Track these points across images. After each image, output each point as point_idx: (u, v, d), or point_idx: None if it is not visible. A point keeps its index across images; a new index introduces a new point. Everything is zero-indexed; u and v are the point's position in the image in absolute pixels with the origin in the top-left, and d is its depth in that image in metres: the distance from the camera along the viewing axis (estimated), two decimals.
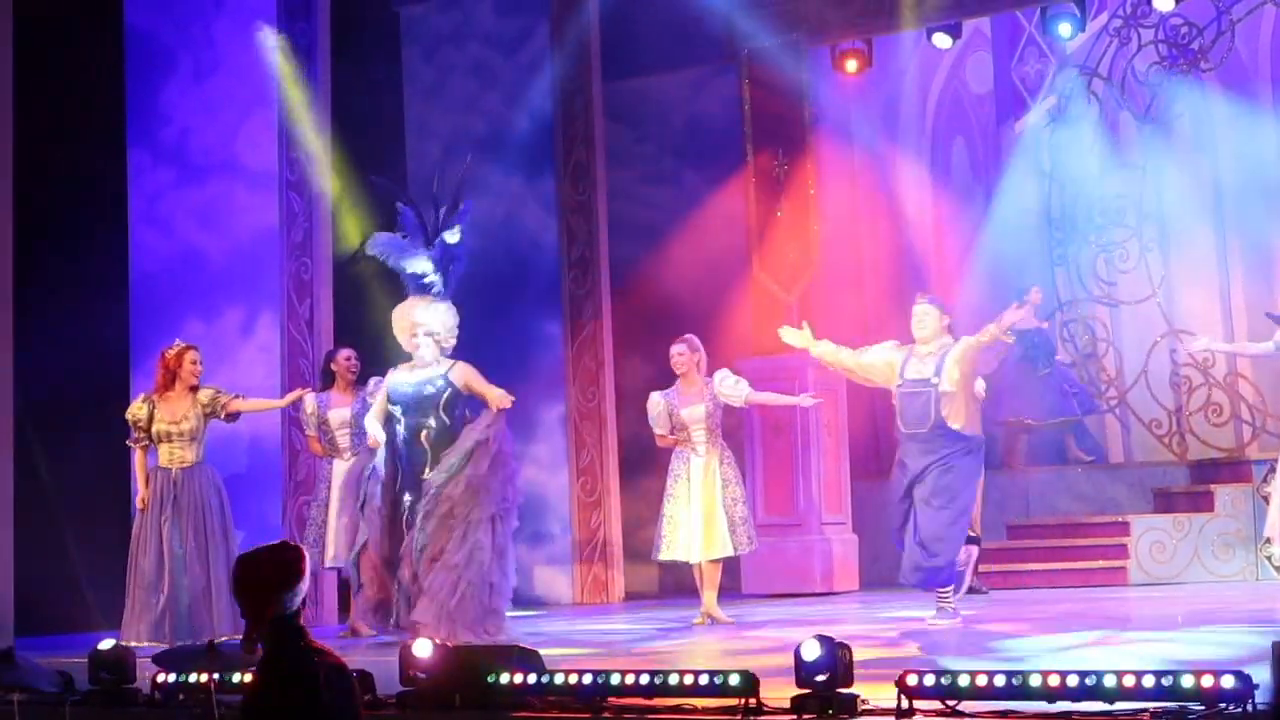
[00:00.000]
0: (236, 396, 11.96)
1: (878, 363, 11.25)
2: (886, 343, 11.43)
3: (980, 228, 16.97)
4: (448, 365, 11.30)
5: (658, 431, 12.43)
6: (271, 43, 14.23)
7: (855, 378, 11.71)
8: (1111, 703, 5.97)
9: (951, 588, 11.14)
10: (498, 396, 11.01)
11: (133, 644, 9.84)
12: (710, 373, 12.46)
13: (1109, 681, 5.96)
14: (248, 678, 7.28)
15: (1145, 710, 5.90)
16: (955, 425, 10.87)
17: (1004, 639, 9.97)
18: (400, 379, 11.30)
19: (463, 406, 11.27)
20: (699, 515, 12.10)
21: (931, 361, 10.96)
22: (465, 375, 11.26)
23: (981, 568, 14.43)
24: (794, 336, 11.57)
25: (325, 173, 14.23)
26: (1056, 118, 16.69)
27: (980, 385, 14.10)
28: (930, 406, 10.89)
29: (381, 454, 11.20)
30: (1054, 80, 16.77)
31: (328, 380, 12.86)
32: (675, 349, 12.46)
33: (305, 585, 5.13)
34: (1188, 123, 16.23)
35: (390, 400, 11.25)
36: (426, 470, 11.03)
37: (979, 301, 16.65)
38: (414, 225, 11.52)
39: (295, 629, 5.08)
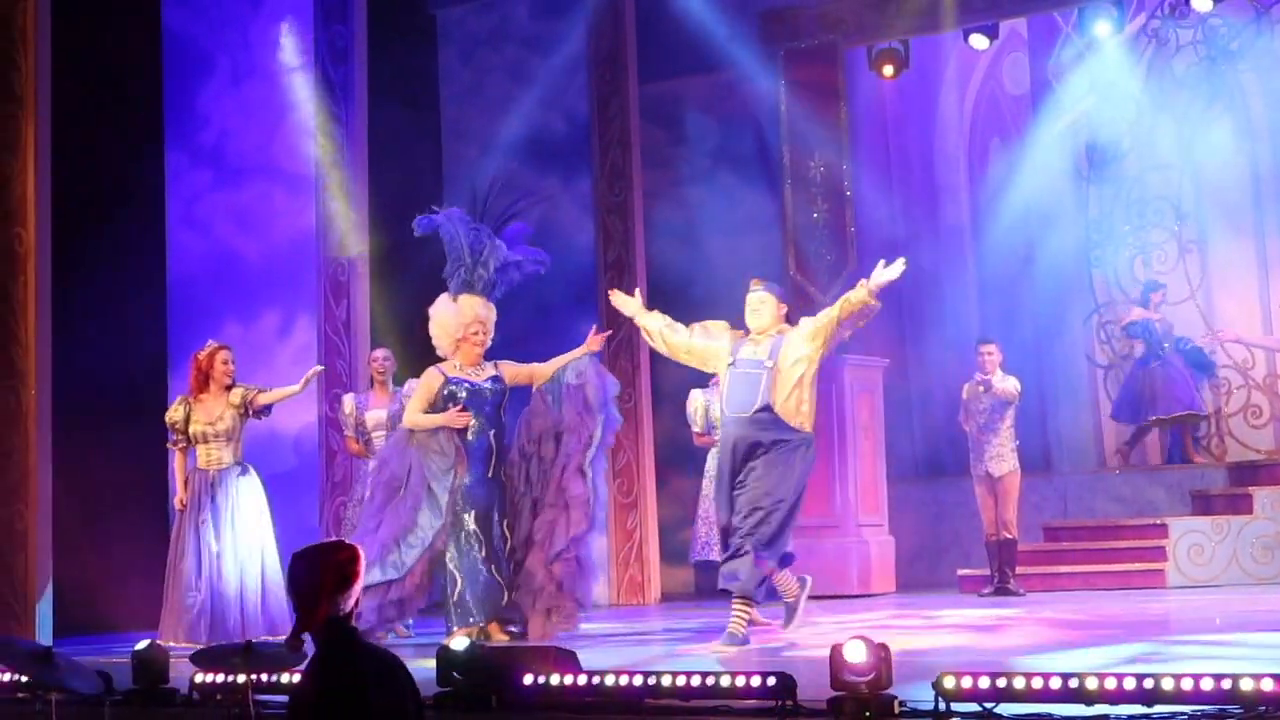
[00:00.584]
0: (259, 389, 11.98)
1: (711, 346, 10.52)
2: (721, 322, 10.76)
3: (1019, 229, 16.93)
4: (494, 365, 11.36)
5: (695, 429, 12.41)
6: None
7: (680, 358, 10.86)
8: (1150, 706, 5.95)
9: (749, 601, 10.19)
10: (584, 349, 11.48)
11: (170, 644, 9.87)
12: None
13: (1148, 684, 5.95)
14: (285, 678, 7.33)
15: (1184, 714, 5.88)
16: (786, 414, 10.12)
17: (1045, 652, 9.94)
18: (464, 377, 11.27)
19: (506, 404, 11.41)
20: None
21: (767, 344, 10.28)
22: (510, 371, 11.35)
23: (1018, 570, 14.42)
24: (623, 302, 11.10)
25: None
26: (1094, 119, 16.65)
27: (1013, 384, 14.09)
28: (760, 389, 10.16)
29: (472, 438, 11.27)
30: (1091, 80, 16.69)
31: (367, 380, 12.90)
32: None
33: (359, 587, 5.12)
34: (1227, 124, 16.16)
35: (454, 397, 11.20)
36: (491, 468, 11.19)
37: (1024, 299, 16.67)
38: (469, 226, 11.57)
39: (347, 630, 5.08)
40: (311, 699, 5.02)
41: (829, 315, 10.28)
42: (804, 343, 10.22)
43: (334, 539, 5.34)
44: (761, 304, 10.45)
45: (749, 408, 10.12)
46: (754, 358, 10.25)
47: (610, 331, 11.91)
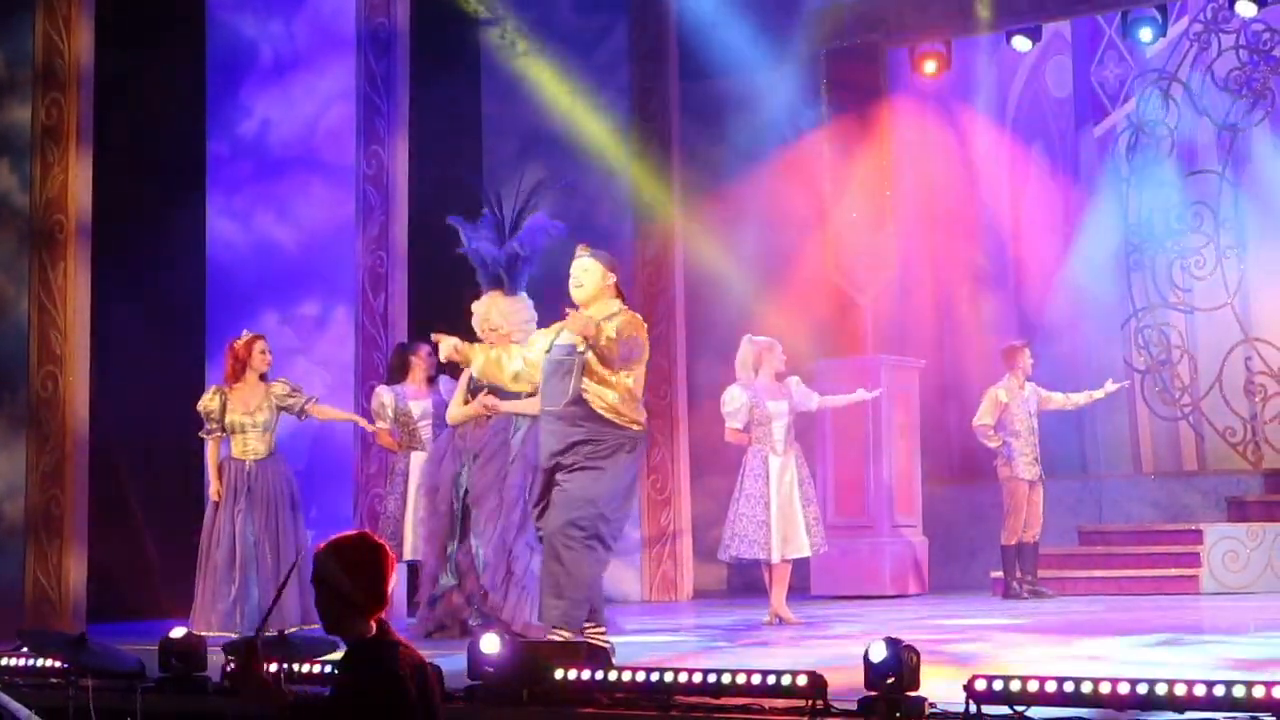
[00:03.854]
0: (316, 400, 12.03)
1: (531, 355, 9.30)
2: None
3: (1059, 232, 16.92)
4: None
5: (734, 426, 12.24)
6: None
7: (510, 387, 9.69)
8: (1181, 712, 5.93)
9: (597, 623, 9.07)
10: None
11: (204, 633, 9.91)
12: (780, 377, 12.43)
13: (1179, 690, 5.93)
14: (317, 669, 7.35)
15: (1212, 719, 5.87)
16: (600, 406, 8.85)
17: (1074, 637, 9.93)
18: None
19: None
20: (776, 515, 12.05)
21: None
22: None
23: (1051, 573, 14.41)
24: (445, 346, 9.36)
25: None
26: (1136, 123, 16.63)
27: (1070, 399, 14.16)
28: (572, 378, 8.85)
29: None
30: (1133, 84, 16.68)
31: (399, 373, 12.88)
32: (761, 340, 12.41)
33: (393, 580, 5.13)
34: (1267, 128, 16.11)
35: (477, 393, 11.24)
36: (512, 459, 11.18)
37: (1061, 304, 16.64)
38: (492, 223, 11.62)
39: (382, 626, 5.09)
40: (346, 693, 5.02)
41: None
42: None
43: (358, 532, 5.28)
44: (585, 272, 9.06)
45: (560, 400, 8.85)
46: (568, 342, 8.89)
47: None
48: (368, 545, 5.11)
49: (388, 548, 5.16)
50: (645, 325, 9.13)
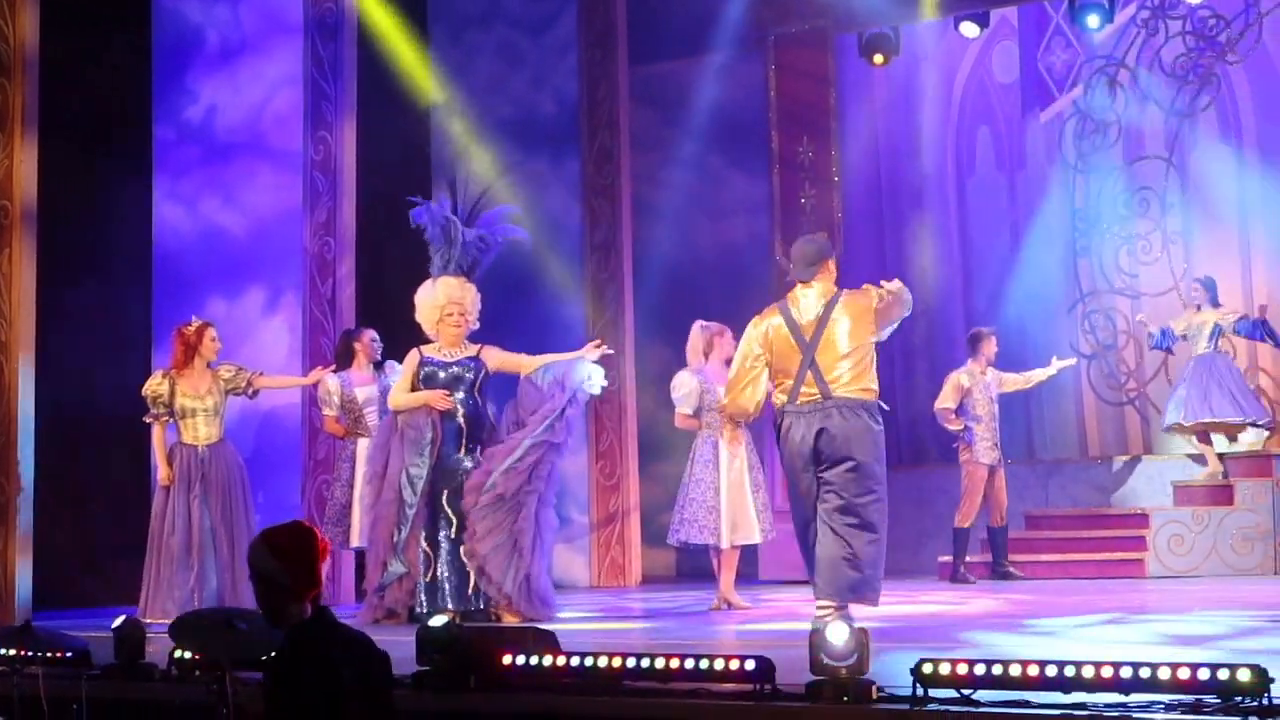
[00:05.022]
0: (260, 373, 12.03)
1: None
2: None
3: (1005, 218, 16.97)
4: (477, 348, 11.40)
5: (684, 411, 12.23)
6: None
7: None
8: (1127, 694, 5.96)
9: None
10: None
11: (158, 621, 9.86)
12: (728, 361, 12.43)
13: (1125, 673, 5.95)
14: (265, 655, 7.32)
15: (1160, 702, 5.89)
16: None
17: (1021, 620, 9.96)
18: (438, 357, 11.35)
19: (488, 389, 11.42)
20: (725, 501, 12.06)
21: None
22: (495, 358, 11.40)
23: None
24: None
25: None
26: (1082, 110, 16.69)
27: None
28: None
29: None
30: (1079, 71, 16.74)
31: (345, 360, 12.85)
32: (712, 326, 12.40)
33: (325, 565, 5.15)
34: (1213, 115, 16.18)
35: (433, 378, 11.27)
36: (461, 450, 11.22)
37: (1009, 289, 16.68)
38: (451, 210, 11.62)
39: (319, 609, 5.09)
40: (283, 678, 5.03)
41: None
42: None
43: (292, 521, 5.35)
44: None
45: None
46: None
47: (601, 342, 11.86)
48: (297, 531, 5.23)
49: (318, 532, 5.21)
50: (752, 321, 9.76)
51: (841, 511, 9.18)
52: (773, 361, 9.48)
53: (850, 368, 9.31)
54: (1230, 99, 16.18)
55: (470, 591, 11.12)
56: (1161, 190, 16.33)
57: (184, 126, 14.93)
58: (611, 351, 12.06)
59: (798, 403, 9.30)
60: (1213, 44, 16.12)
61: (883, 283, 9.50)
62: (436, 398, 11.20)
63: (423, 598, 11.10)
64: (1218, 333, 14.81)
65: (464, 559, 11.09)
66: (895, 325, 9.61)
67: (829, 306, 9.38)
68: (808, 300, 9.49)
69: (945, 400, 14.47)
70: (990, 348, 14.55)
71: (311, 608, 5.12)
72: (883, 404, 9.50)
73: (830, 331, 9.33)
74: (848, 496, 9.19)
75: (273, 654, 5.35)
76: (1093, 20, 15.81)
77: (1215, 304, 14.86)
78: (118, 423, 13.41)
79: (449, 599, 11.06)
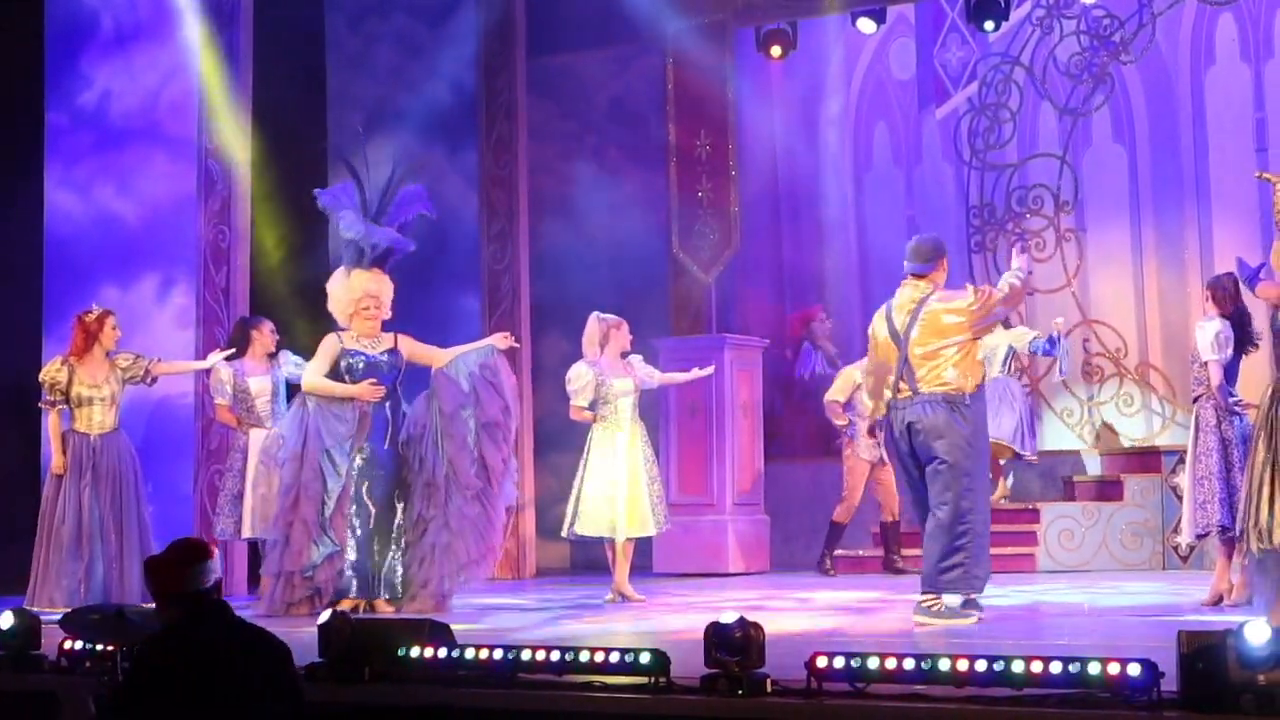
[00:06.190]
0: (157, 360, 11.95)
1: None
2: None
3: (902, 213, 17.05)
4: (392, 337, 11.40)
5: (579, 404, 12.22)
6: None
7: None
8: (1019, 689, 6.01)
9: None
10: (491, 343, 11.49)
11: (45, 609, 9.77)
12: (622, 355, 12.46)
13: (1017, 668, 6.00)
14: None
15: (1052, 696, 5.94)
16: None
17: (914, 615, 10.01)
18: (358, 348, 11.30)
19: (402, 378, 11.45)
20: (623, 493, 12.07)
21: None
22: (409, 348, 11.41)
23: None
24: None
25: (245, 147, 14.17)
26: (978, 106, 16.80)
27: None
28: None
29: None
30: (975, 67, 16.85)
31: (240, 347, 12.75)
32: (609, 318, 12.41)
33: (213, 564, 5.11)
34: (1107, 114, 16.32)
35: (353, 368, 11.22)
36: (386, 441, 11.24)
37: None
38: (357, 200, 11.58)
39: (205, 605, 5.05)
40: (146, 670, 4.99)
41: None
42: None
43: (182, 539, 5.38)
44: None
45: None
46: None
47: (509, 334, 11.88)
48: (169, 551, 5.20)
49: (190, 541, 5.21)
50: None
51: (936, 505, 9.60)
52: (878, 357, 9.99)
53: (938, 365, 9.70)
54: (1124, 98, 16.32)
55: (373, 582, 11.13)
56: (1055, 187, 16.46)
57: (78, 112, 14.77)
58: (519, 345, 12.06)
59: (895, 398, 9.77)
60: (1107, 44, 16.26)
61: (1012, 264, 10.44)
62: (366, 390, 11.17)
63: (352, 578, 11.11)
64: (1010, 355, 14.93)
65: (396, 547, 11.11)
66: (999, 320, 10.62)
67: (919, 304, 9.87)
68: (903, 298, 10.00)
69: (835, 394, 14.52)
70: None
71: (194, 603, 5.06)
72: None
73: (918, 329, 9.79)
74: (937, 490, 9.60)
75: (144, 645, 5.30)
76: (988, 24, 15.97)
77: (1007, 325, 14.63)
78: (6, 409, 13.26)
79: (359, 588, 11.08)
